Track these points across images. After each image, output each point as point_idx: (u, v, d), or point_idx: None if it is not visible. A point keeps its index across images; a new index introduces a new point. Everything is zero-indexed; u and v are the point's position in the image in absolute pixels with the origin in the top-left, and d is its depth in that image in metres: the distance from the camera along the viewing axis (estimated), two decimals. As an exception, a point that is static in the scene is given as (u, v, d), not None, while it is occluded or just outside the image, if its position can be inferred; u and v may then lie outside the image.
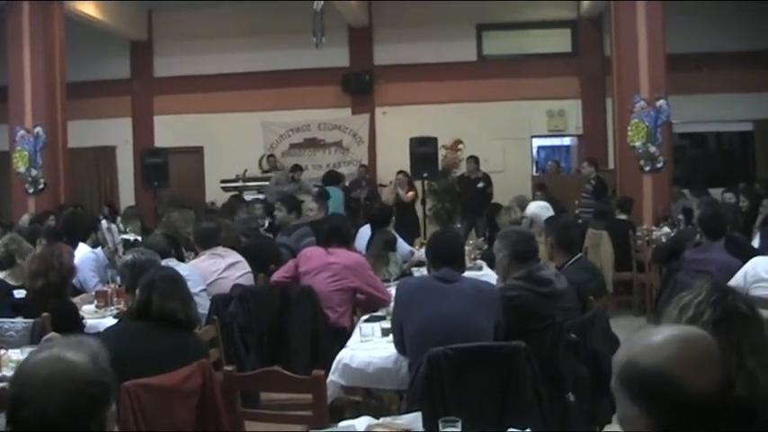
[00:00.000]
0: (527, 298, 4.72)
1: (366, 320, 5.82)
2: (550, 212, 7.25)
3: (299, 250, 7.38)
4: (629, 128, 12.56)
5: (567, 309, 4.85)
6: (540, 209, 7.16)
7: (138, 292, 4.31)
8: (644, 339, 2.05)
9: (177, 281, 4.33)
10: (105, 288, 6.88)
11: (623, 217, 11.15)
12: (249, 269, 7.01)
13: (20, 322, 5.44)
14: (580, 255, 5.96)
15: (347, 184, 15.80)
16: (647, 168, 12.44)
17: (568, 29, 17.22)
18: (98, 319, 6.13)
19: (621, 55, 12.97)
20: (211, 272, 6.78)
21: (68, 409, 2.14)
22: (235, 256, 7.06)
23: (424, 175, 14.65)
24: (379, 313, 6.02)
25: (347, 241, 6.80)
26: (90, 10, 15.66)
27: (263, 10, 16.91)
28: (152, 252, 5.61)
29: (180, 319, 4.14)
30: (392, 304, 5.76)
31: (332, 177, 15.09)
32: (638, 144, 12.48)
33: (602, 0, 14.48)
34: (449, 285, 4.60)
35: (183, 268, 6.51)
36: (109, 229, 7.66)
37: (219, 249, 7.08)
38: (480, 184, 14.86)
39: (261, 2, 16.54)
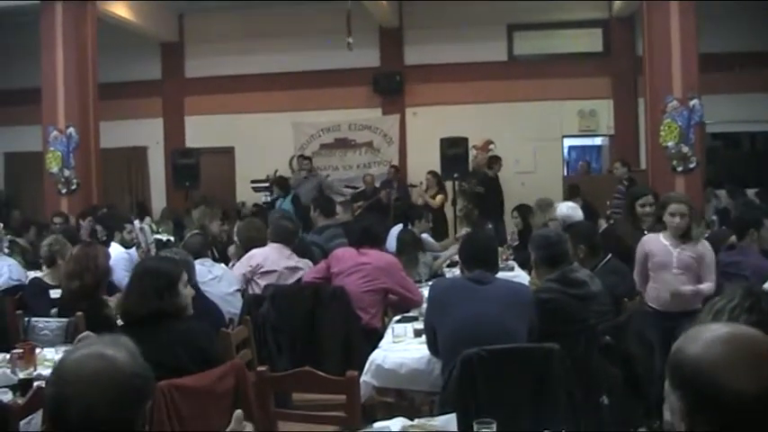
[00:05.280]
0: (560, 300, 4.70)
1: (398, 321, 5.83)
2: (580, 213, 7.21)
3: (330, 250, 7.41)
4: (661, 128, 12.44)
5: (600, 311, 4.81)
6: (570, 210, 7.12)
7: None
8: (698, 331, 2.03)
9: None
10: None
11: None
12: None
13: (54, 321, 5.51)
14: (609, 256, 5.92)
15: (377, 184, 15.79)
16: (680, 169, 12.32)
17: (600, 28, 17.08)
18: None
19: (654, 55, 12.85)
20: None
21: (117, 404, 2.16)
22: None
23: (455, 175, 14.63)
24: (411, 314, 6.03)
25: (379, 242, 6.80)
26: (122, 11, 15.76)
27: (294, 11, 16.94)
28: (185, 253, 5.63)
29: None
30: (424, 305, 5.79)
31: (278, 185, 15.06)
32: (670, 144, 12.36)
33: (634, 0, 14.35)
34: (482, 287, 4.59)
35: (217, 269, 6.57)
36: (142, 229, 7.71)
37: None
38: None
39: (291, 3, 16.57)
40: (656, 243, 6.05)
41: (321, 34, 16.79)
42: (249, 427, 2.59)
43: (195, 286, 4.86)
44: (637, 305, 5.62)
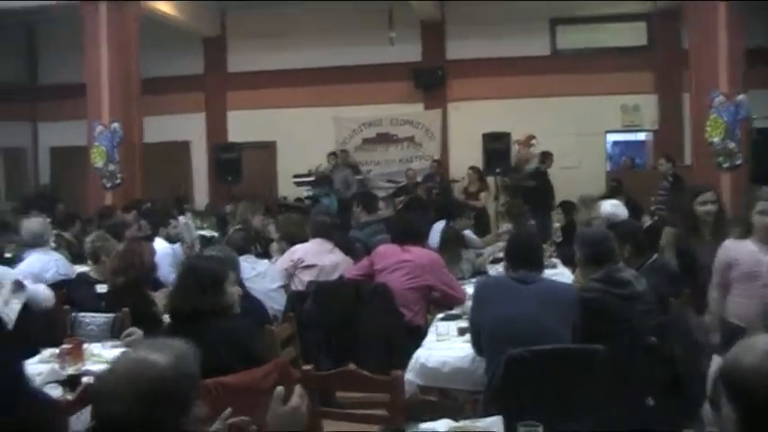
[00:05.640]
0: (605, 300, 4.66)
1: (442, 319, 5.81)
2: (624, 211, 7.14)
3: (373, 246, 7.42)
4: (707, 123, 12.31)
5: (646, 311, 4.76)
6: (613, 207, 7.06)
7: None
8: (753, 341, 2.00)
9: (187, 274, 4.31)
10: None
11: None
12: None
13: (101, 317, 5.56)
14: (656, 255, 5.85)
15: (419, 179, 15.77)
16: (726, 165, 12.19)
17: (643, 22, 16.92)
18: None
19: (699, 49, 12.72)
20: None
21: (155, 407, 2.21)
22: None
23: (497, 170, 14.60)
24: (454, 311, 6.00)
25: (422, 239, 6.80)
26: (165, 8, 15.87)
27: (336, 6, 16.93)
28: (230, 249, 5.67)
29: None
30: (467, 302, 5.78)
31: (320, 181, 14.98)
32: (716, 140, 12.23)
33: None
34: (526, 286, 4.57)
35: (260, 265, 6.61)
36: (186, 225, 7.77)
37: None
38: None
39: (332, -1, 16.64)
40: (742, 249, 5.23)
41: (363, 29, 16.85)
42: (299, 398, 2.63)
43: (240, 284, 4.88)
44: (683, 304, 5.55)
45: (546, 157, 15.25)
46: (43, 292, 5.97)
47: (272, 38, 17.73)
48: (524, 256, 4.74)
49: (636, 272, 4.99)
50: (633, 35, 16.91)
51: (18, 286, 5.37)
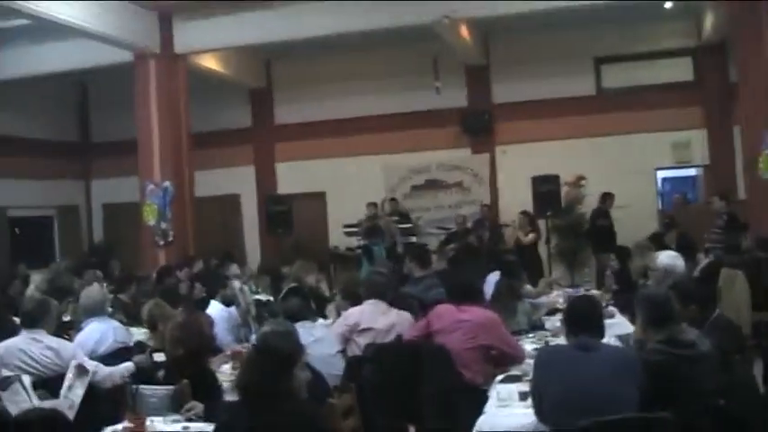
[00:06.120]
0: (670, 362, 4.57)
1: (501, 381, 5.75)
2: (681, 263, 7.04)
3: (429, 301, 7.40)
4: (760, 158, 12.16)
5: (711, 372, 4.67)
6: (671, 259, 6.95)
7: None
8: None
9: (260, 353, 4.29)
10: (241, 348, 7.01)
11: (761, 254, 10.72)
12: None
13: (161, 389, 5.57)
14: (718, 312, 5.74)
15: (469, 225, 15.72)
16: (781, 201, 12.02)
17: (689, 57, 16.84)
18: (235, 382, 6.21)
19: (748, 82, 12.63)
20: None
21: None
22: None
23: (548, 213, 14.52)
24: (514, 372, 5.94)
25: (479, 298, 6.74)
26: (211, 63, 16.16)
27: (380, 54, 17.11)
28: (290, 323, 5.66)
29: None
30: (527, 362, 5.73)
31: (372, 231, 14.78)
32: (769, 176, 12.08)
33: (725, 26, 14.07)
34: (588, 354, 4.51)
35: (317, 330, 6.60)
36: (241, 289, 7.81)
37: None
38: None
39: (377, 46, 16.72)
40: None
41: (408, 76, 16.98)
42: None
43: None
44: (747, 362, 5.45)
45: (607, 197, 15.16)
46: (110, 376, 6.06)
47: (317, 87, 17.94)
48: (585, 323, 4.68)
49: (698, 331, 4.91)
50: (679, 70, 16.82)
51: (81, 371, 5.41)
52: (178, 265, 12.42)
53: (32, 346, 6.06)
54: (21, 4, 11.23)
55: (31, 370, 5.95)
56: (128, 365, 6.21)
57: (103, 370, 6.11)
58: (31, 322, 6.27)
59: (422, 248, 10.27)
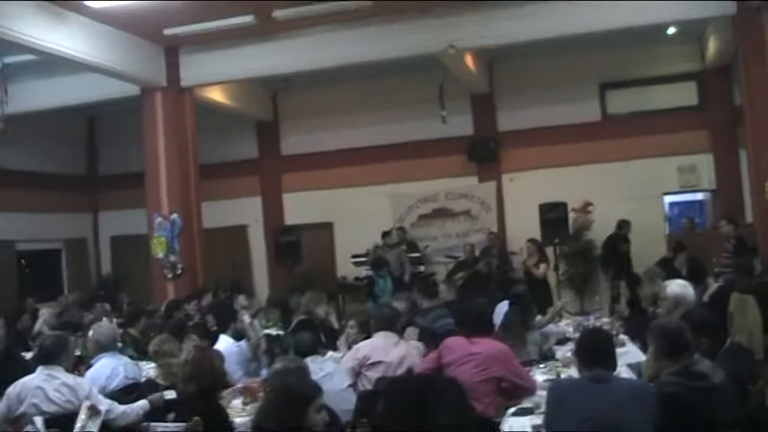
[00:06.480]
0: (684, 394, 4.56)
1: (514, 414, 5.73)
2: (691, 291, 7.01)
3: (442, 338, 7.38)
4: (766, 183, 12.14)
5: (726, 402, 4.65)
6: (681, 288, 6.92)
7: None
8: None
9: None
10: (251, 382, 6.99)
11: (771, 278, 10.73)
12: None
13: (173, 426, 5.58)
14: (730, 341, 5.72)
15: (477, 252, 15.70)
16: (788, 224, 11.99)
17: (694, 81, 16.86)
18: (246, 416, 6.19)
19: (753, 105, 12.61)
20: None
21: None
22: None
23: (556, 240, 14.50)
24: (526, 405, 5.92)
25: (489, 329, 6.72)
26: (217, 96, 16.23)
27: (385, 84, 17.18)
28: (300, 359, 5.66)
29: None
30: (538, 392, 5.72)
31: (376, 263, 14.80)
32: (777, 200, 12.05)
33: (729, 49, 14.10)
34: (602, 386, 4.50)
35: (328, 365, 6.59)
36: (251, 323, 7.80)
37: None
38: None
39: (382, 76, 16.78)
40: None
41: (413, 105, 17.03)
42: None
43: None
44: (762, 391, 5.42)
45: (623, 223, 15.22)
46: (123, 415, 6.06)
47: (323, 118, 18.02)
48: (598, 355, 4.67)
49: (712, 362, 4.89)
50: (684, 95, 16.85)
51: (93, 411, 5.41)
52: (187, 298, 12.43)
53: (49, 383, 6.05)
54: (28, 41, 11.29)
55: (47, 408, 5.95)
56: (143, 404, 6.20)
57: (117, 408, 6.10)
58: (49, 358, 6.26)
59: (426, 280, 10.28)
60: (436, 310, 8.81)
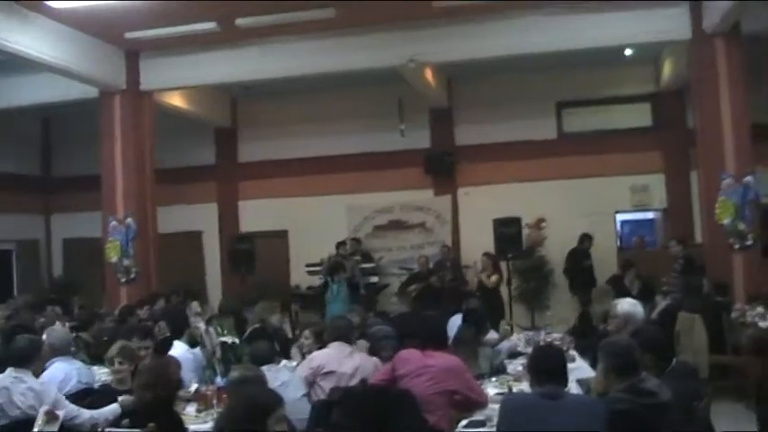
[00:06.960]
0: (634, 411, 4.67)
1: (466, 426, 5.82)
2: (641, 310, 7.15)
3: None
4: (716, 205, 12.38)
5: (673, 420, 4.78)
6: (631, 306, 7.05)
7: None
8: None
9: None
10: (206, 390, 7.00)
11: (719, 299, 10.94)
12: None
13: (128, 432, 5.58)
14: (677, 359, 5.85)
15: (431, 265, 15.79)
16: (737, 246, 12.22)
17: (649, 103, 17.15)
18: (200, 424, 6.20)
19: (705, 128, 12.85)
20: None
21: None
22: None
23: (509, 255, 14.64)
24: (478, 418, 6.01)
25: (444, 343, 6.82)
26: (177, 101, 16.20)
27: (345, 95, 17.26)
28: (257, 368, 5.70)
29: None
30: (490, 406, 5.81)
31: (334, 268, 14.78)
32: (726, 222, 12.29)
33: (684, 73, 14.35)
34: (554, 402, 4.60)
35: (283, 373, 6.63)
36: (207, 331, 7.80)
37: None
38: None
39: (342, 87, 16.87)
40: None
41: (372, 117, 17.14)
42: None
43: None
44: (707, 408, 5.56)
45: (585, 237, 15.45)
46: (91, 420, 6.01)
47: (281, 127, 18.05)
48: (550, 372, 4.77)
49: (659, 380, 5.01)
50: (639, 116, 17.14)
51: (51, 417, 5.38)
52: (140, 303, 12.39)
53: (16, 386, 5.98)
54: (-13, 39, 11.22)
55: (9, 411, 5.88)
56: (113, 408, 6.15)
57: (84, 414, 6.02)
58: (20, 361, 6.18)
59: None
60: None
